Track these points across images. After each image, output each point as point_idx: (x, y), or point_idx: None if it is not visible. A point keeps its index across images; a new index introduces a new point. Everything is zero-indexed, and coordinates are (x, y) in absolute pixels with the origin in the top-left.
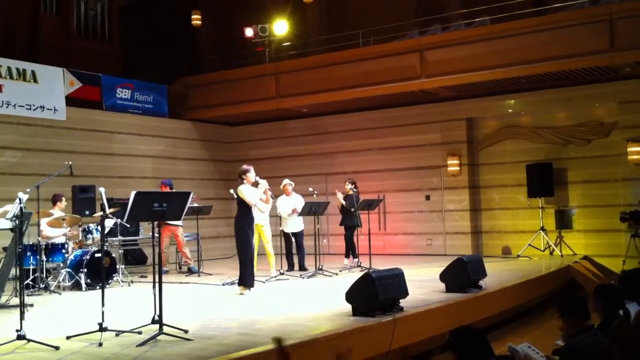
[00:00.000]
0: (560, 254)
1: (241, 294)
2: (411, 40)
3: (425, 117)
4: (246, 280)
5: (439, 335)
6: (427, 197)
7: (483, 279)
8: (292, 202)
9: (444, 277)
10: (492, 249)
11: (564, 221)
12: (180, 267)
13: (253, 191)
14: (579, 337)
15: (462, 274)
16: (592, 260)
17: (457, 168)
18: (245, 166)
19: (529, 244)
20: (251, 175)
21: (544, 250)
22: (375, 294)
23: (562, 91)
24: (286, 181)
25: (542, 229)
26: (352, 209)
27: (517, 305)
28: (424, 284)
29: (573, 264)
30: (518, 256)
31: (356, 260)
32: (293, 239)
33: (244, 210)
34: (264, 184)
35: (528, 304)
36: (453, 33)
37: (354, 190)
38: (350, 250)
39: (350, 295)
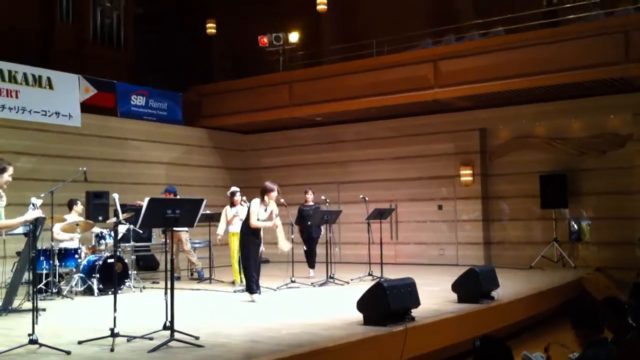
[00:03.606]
0: (573, 265)
1: (251, 300)
2: (425, 50)
3: (438, 127)
4: (250, 286)
5: (451, 346)
6: (440, 207)
7: (495, 289)
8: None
9: (456, 287)
10: (505, 260)
11: (577, 233)
12: (191, 274)
13: (260, 211)
14: (591, 350)
15: (474, 285)
16: (605, 273)
17: (470, 178)
18: (269, 185)
19: (542, 255)
20: (273, 195)
21: (556, 262)
22: (387, 303)
23: (576, 102)
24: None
25: (555, 240)
26: (309, 222)
27: (530, 316)
28: (436, 294)
29: (586, 275)
30: (530, 267)
31: (312, 270)
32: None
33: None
34: (274, 209)
35: (540, 315)
36: (467, 43)
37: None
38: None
39: (362, 304)
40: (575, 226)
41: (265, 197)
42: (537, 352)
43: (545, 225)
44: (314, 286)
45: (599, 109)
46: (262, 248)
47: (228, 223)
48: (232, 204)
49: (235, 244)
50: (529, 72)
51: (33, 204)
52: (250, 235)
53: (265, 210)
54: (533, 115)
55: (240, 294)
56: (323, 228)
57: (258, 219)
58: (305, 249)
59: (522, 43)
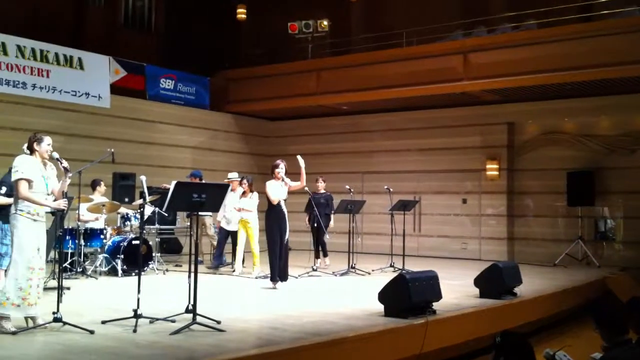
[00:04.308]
0: (597, 264)
1: (273, 288)
2: (455, 41)
3: (466, 120)
4: (272, 274)
5: (472, 341)
6: (464, 201)
7: (518, 286)
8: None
9: (478, 282)
10: (528, 256)
11: (603, 231)
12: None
13: (277, 187)
14: (615, 351)
15: (497, 280)
16: (631, 272)
17: (496, 172)
18: (277, 161)
19: (566, 253)
20: (280, 171)
21: (580, 260)
22: (409, 295)
23: (607, 99)
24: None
25: (581, 238)
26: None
27: (552, 314)
28: (457, 288)
29: (610, 275)
30: (554, 265)
31: (326, 259)
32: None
33: (271, 205)
34: (300, 161)
35: (563, 313)
36: (498, 36)
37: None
38: (321, 250)
39: (383, 296)
40: (610, 223)
41: (276, 174)
42: (559, 350)
43: (570, 223)
44: (335, 276)
45: (630, 107)
46: (287, 234)
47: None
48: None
49: (242, 230)
50: (560, 68)
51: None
52: (273, 220)
53: (282, 187)
54: (562, 111)
55: (262, 280)
56: (332, 219)
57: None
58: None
59: (554, 37)
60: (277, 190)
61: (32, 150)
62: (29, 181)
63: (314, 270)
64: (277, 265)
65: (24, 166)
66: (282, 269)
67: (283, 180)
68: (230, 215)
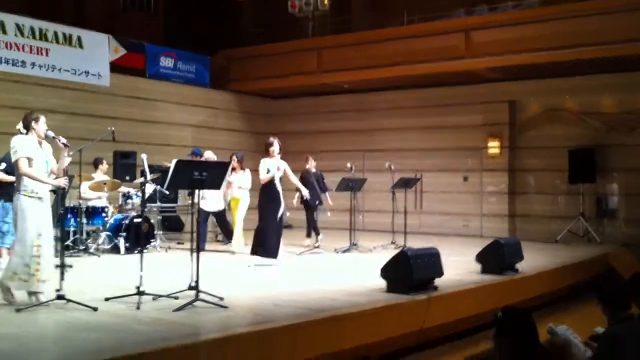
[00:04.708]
0: (598, 241)
1: (270, 265)
2: (457, 19)
3: (468, 98)
4: (269, 250)
5: (473, 317)
6: (466, 179)
7: (519, 262)
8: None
9: (480, 258)
10: (529, 234)
11: (604, 208)
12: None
13: (271, 166)
14: (618, 326)
15: (498, 256)
16: (632, 249)
17: (498, 150)
18: (270, 138)
19: (568, 230)
20: (273, 149)
21: (582, 237)
22: (411, 272)
23: (608, 77)
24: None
25: (582, 214)
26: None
27: (553, 290)
28: (459, 264)
29: (612, 251)
30: (556, 241)
31: (319, 237)
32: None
33: (265, 183)
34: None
35: (564, 289)
36: (500, 14)
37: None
38: (313, 229)
39: (385, 272)
40: (611, 200)
41: (270, 152)
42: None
43: (571, 200)
44: (337, 253)
45: (632, 84)
46: (282, 211)
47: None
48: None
49: (236, 208)
50: (562, 45)
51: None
52: (266, 197)
53: (278, 168)
54: (564, 89)
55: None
56: (325, 197)
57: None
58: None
59: (556, 15)
60: (271, 167)
61: (28, 129)
62: (29, 159)
63: (316, 247)
64: (273, 241)
65: (22, 145)
66: (275, 246)
67: (278, 161)
68: (209, 195)
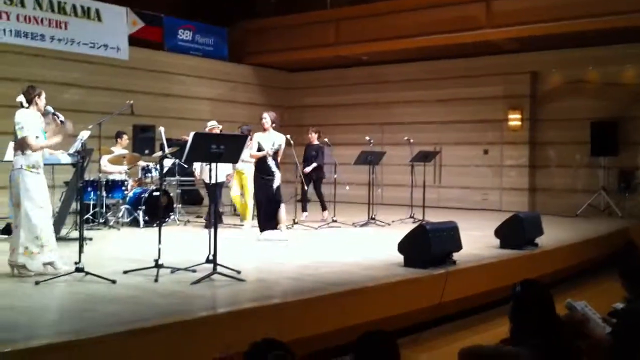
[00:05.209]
0: (619, 215)
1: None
2: None
3: (488, 70)
4: (261, 225)
5: (492, 291)
6: (485, 152)
7: (539, 236)
8: None
9: (499, 233)
10: (550, 207)
11: (626, 182)
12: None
13: (259, 141)
14: (638, 302)
15: (518, 231)
16: None
17: (519, 123)
18: (263, 113)
19: (588, 204)
20: (264, 123)
21: (603, 211)
22: (429, 246)
23: (632, 47)
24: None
25: (603, 188)
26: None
27: (573, 265)
28: (478, 238)
29: (632, 226)
30: (576, 215)
31: (325, 213)
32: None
33: (258, 157)
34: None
35: (584, 264)
36: None
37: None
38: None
39: (403, 246)
40: (625, 175)
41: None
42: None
43: (592, 174)
44: (355, 227)
45: None
46: (276, 186)
47: None
48: None
49: (236, 182)
50: (584, 14)
51: (81, 139)
52: (257, 171)
53: (274, 143)
54: (586, 59)
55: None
56: (328, 171)
57: (260, 150)
58: (306, 188)
59: None
60: (263, 142)
61: (30, 103)
62: (37, 137)
63: (333, 221)
64: (264, 216)
65: (28, 121)
66: (262, 222)
67: (272, 135)
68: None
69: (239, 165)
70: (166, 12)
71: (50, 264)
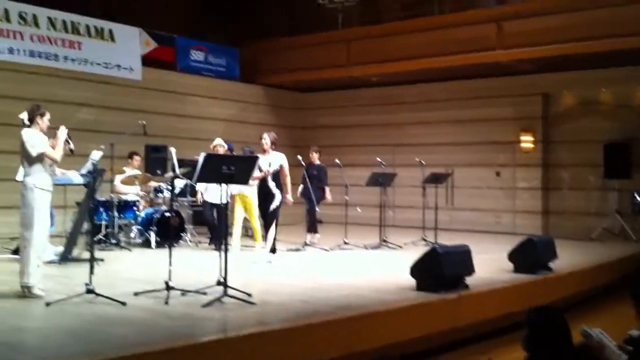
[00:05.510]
0: (634, 238)
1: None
2: (488, 9)
3: (499, 91)
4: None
5: (505, 316)
6: (498, 174)
7: (553, 260)
8: None
9: (512, 256)
10: (563, 230)
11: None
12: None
13: (261, 162)
14: None
15: (531, 255)
16: None
17: (531, 145)
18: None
19: (603, 227)
20: (263, 142)
21: (618, 234)
22: (441, 269)
23: None
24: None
25: (618, 212)
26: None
27: (588, 289)
28: (491, 262)
29: None
30: (591, 239)
31: (317, 236)
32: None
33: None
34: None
35: (599, 289)
36: (533, 3)
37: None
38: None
39: (415, 270)
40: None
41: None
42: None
43: (606, 196)
44: (367, 249)
45: None
46: (274, 205)
47: None
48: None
49: (239, 205)
50: (597, 36)
51: (92, 160)
52: (259, 194)
53: (270, 164)
54: (599, 81)
55: (293, 253)
56: (328, 192)
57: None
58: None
59: (591, 4)
60: (261, 163)
61: (32, 122)
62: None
63: (345, 243)
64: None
65: (36, 139)
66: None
67: (271, 156)
68: (212, 187)
69: (242, 187)
70: (178, 33)
71: (29, 288)
